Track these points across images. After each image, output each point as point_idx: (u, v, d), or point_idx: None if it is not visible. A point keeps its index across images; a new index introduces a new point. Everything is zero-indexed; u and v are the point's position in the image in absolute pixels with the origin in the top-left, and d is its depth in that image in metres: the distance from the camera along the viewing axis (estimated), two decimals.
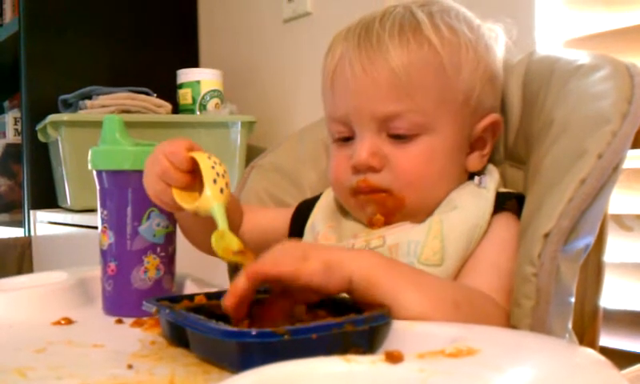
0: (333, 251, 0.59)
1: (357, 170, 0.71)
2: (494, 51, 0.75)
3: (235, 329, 0.51)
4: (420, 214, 0.72)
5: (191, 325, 0.54)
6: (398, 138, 0.70)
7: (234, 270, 0.90)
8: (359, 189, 0.71)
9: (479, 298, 0.63)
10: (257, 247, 0.79)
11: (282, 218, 0.83)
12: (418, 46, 0.69)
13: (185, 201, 0.65)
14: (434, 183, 0.71)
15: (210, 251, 0.78)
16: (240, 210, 0.80)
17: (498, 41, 0.76)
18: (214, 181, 0.62)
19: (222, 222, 0.62)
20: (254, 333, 0.49)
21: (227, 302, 0.55)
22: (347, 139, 0.74)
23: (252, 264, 0.56)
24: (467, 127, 0.72)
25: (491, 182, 0.73)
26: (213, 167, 0.63)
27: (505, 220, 0.70)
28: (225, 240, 0.61)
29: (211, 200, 0.62)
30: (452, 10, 0.73)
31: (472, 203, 0.70)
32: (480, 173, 0.75)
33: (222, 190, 0.62)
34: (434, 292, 0.58)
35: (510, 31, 0.78)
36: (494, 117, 0.74)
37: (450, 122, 0.71)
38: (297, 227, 0.80)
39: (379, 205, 0.71)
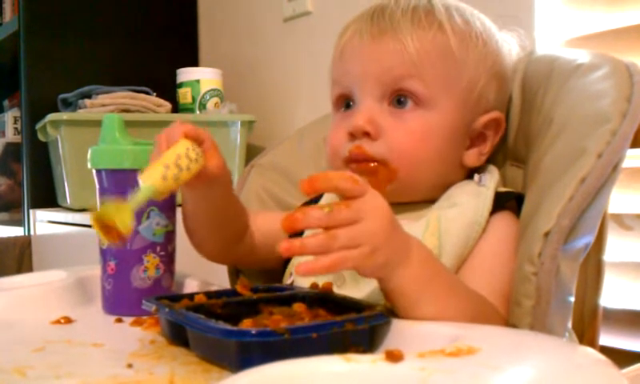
0: (394, 251, 0.57)
1: (352, 135, 0.71)
2: (504, 53, 0.76)
3: (235, 328, 0.51)
4: (411, 193, 0.72)
5: (191, 324, 0.54)
6: (399, 105, 0.71)
7: (235, 272, 0.90)
8: (352, 155, 0.71)
9: (488, 310, 0.63)
10: (263, 249, 0.79)
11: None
12: (428, 26, 0.71)
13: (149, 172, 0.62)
14: (427, 161, 0.71)
15: (212, 256, 0.78)
16: (245, 214, 0.79)
17: (511, 48, 0.77)
18: (167, 166, 0.61)
19: (134, 201, 0.59)
20: (253, 332, 0.49)
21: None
22: (348, 108, 0.74)
23: (321, 240, 0.53)
24: (468, 116, 0.72)
25: (491, 180, 0.72)
26: (185, 155, 0.62)
27: (504, 219, 0.70)
28: (119, 214, 0.58)
29: (144, 177, 0.60)
30: (467, 9, 0.75)
31: (471, 201, 0.70)
32: (480, 171, 0.75)
33: (164, 178, 0.60)
34: (457, 309, 0.58)
35: (524, 43, 0.79)
36: (496, 114, 0.74)
37: (450, 105, 0.71)
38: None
39: (371, 174, 0.70)
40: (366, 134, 0.70)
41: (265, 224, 0.80)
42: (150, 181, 0.60)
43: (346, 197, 0.55)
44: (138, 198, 0.59)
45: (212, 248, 0.77)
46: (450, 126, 0.71)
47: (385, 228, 0.56)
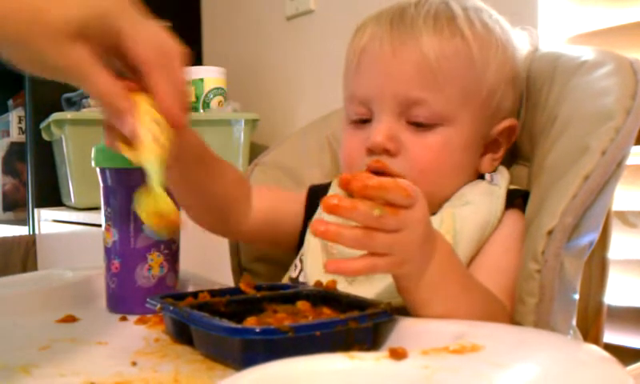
0: (420, 260, 0.56)
1: (372, 151, 0.70)
2: (519, 55, 0.75)
3: (239, 326, 0.51)
4: (429, 206, 0.72)
5: (195, 322, 0.54)
6: (417, 125, 0.70)
7: (239, 270, 0.90)
8: (372, 169, 0.69)
9: (497, 309, 0.63)
10: (267, 227, 0.78)
11: (295, 200, 0.81)
12: (451, 35, 0.69)
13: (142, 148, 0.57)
14: (447, 176, 0.71)
15: (210, 226, 0.76)
16: (247, 186, 0.78)
17: (523, 49, 0.77)
18: (148, 130, 0.57)
19: (158, 183, 0.55)
20: (257, 330, 0.49)
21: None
22: (364, 122, 0.73)
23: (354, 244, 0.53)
24: (485, 126, 0.72)
25: (502, 179, 0.72)
26: (149, 110, 0.57)
27: (513, 217, 0.70)
28: (155, 201, 0.55)
29: (142, 156, 0.56)
30: (484, 10, 0.74)
31: (484, 200, 0.70)
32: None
33: (156, 140, 0.56)
34: (467, 309, 0.58)
35: (535, 42, 0.79)
36: (511, 121, 0.74)
37: (469, 117, 0.70)
38: (310, 212, 0.79)
39: None
40: (386, 151, 0.70)
41: (271, 201, 0.78)
42: (150, 153, 0.57)
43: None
44: (157, 177, 0.56)
45: (206, 218, 0.75)
46: (469, 138, 0.71)
47: (419, 241, 0.55)
